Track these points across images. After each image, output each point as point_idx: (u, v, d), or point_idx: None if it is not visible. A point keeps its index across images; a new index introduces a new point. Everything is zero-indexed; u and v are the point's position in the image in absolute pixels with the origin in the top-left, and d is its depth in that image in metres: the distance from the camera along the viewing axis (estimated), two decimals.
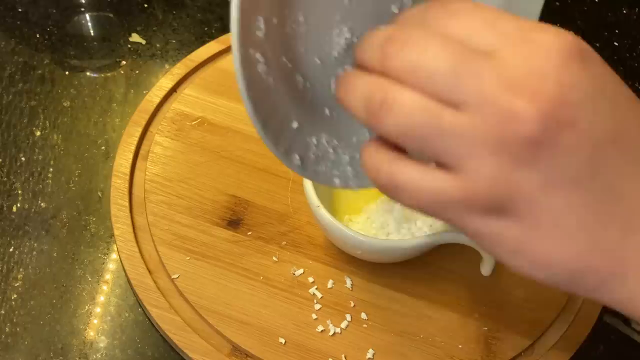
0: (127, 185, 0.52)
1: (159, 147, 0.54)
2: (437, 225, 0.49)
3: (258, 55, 0.30)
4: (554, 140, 0.25)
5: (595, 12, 0.76)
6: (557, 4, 0.77)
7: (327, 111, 0.35)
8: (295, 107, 0.33)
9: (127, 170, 0.53)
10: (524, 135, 0.25)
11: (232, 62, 0.30)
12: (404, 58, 0.27)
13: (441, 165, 0.27)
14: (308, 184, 0.47)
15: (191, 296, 0.47)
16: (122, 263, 0.49)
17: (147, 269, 0.48)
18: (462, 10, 0.27)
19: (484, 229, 0.28)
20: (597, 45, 0.72)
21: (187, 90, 0.58)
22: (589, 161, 0.26)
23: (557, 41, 0.26)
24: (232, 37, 0.29)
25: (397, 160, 0.28)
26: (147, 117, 0.56)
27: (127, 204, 0.51)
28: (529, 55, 0.26)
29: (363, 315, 0.47)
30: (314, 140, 0.35)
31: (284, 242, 0.50)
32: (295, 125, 0.33)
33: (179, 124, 0.56)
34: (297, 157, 0.34)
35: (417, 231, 0.49)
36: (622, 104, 0.27)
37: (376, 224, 0.50)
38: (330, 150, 0.35)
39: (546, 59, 0.25)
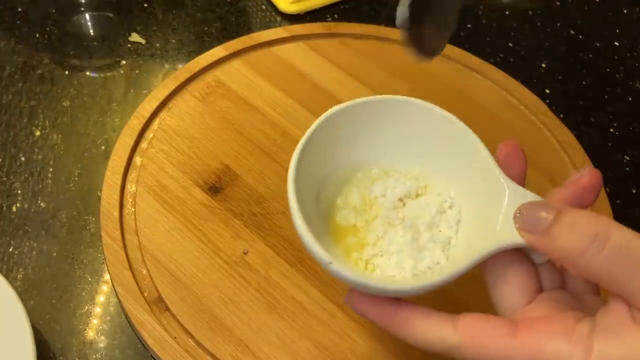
0: (126, 159, 0.53)
1: (184, 104, 0.57)
2: (451, 253, 0.42)
3: None
4: None
5: (595, 12, 0.74)
6: (558, 3, 0.75)
7: None
8: None
9: (139, 126, 0.55)
10: None
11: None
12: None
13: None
14: (311, 242, 0.36)
15: (143, 238, 0.48)
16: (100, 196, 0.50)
17: (120, 201, 0.50)
18: None
19: None
20: (597, 45, 0.69)
21: (235, 64, 0.60)
22: None
23: None
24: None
25: None
26: (188, 75, 0.58)
27: (121, 171, 0.52)
28: None
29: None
30: None
31: (250, 222, 0.50)
32: None
33: (212, 89, 0.58)
34: None
35: (433, 262, 0.42)
36: None
37: (391, 261, 0.46)
38: None
39: None
